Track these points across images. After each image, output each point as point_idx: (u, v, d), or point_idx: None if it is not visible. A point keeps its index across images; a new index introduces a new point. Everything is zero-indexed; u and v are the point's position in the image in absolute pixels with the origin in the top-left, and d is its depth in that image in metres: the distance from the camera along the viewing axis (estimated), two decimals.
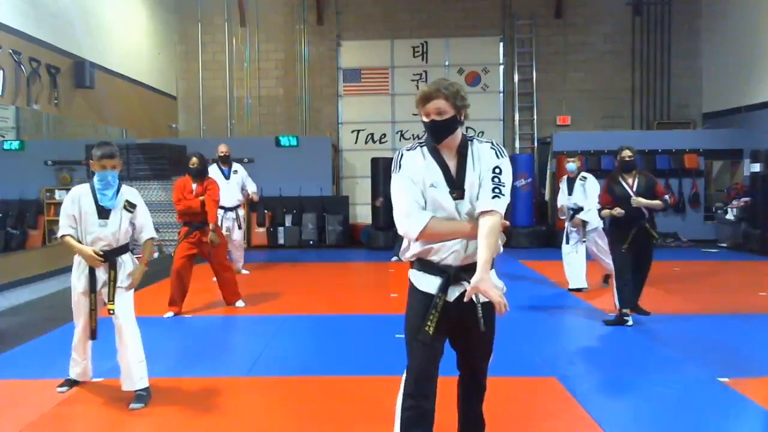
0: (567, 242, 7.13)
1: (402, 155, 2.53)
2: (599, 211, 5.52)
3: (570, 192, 7.05)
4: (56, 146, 10.35)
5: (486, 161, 2.48)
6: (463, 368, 2.72)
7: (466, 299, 2.37)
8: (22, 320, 6.10)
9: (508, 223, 2.55)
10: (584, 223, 6.88)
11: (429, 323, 2.45)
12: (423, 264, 2.54)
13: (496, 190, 2.42)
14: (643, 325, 5.52)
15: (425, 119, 2.47)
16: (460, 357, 2.70)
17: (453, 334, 2.58)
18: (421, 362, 2.51)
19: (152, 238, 3.94)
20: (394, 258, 9.65)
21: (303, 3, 13.09)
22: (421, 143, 2.57)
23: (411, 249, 2.55)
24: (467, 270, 2.42)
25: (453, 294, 2.48)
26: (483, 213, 2.41)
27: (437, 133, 2.47)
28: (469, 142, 2.53)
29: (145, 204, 3.94)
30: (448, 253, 2.47)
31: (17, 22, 7.79)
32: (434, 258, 2.50)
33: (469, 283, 2.38)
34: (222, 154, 8.18)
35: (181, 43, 13.36)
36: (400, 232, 2.49)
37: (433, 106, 2.43)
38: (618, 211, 5.40)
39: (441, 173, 2.48)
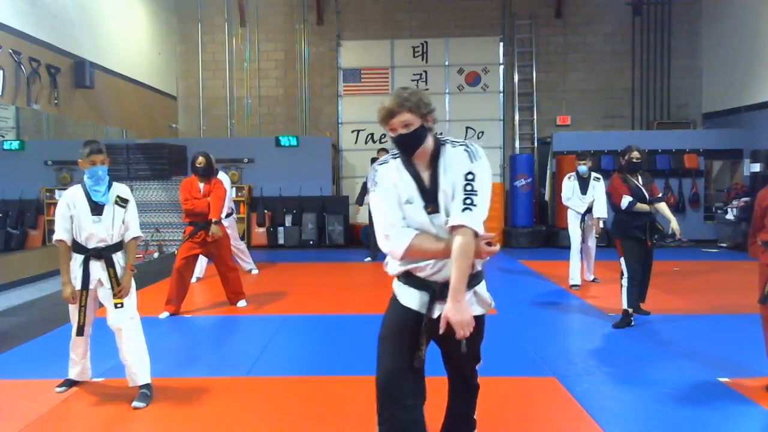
0: (584, 241, 7.26)
1: (376, 171, 2.40)
2: (632, 204, 5.43)
3: (584, 192, 7.14)
4: (56, 146, 10.36)
5: (458, 167, 2.31)
6: (449, 368, 2.65)
7: (441, 331, 2.23)
8: (22, 320, 6.10)
9: (492, 234, 2.35)
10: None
11: (421, 347, 2.34)
12: (408, 277, 2.42)
13: (468, 201, 2.24)
14: (643, 325, 5.52)
15: (391, 134, 2.33)
16: (445, 359, 2.61)
17: (436, 339, 2.45)
18: (389, 369, 2.37)
19: (137, 238, 3.91)
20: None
21: (303, 3, 13.09)
22: (394, 155, 2.43)
23: (392, 264, 2.44)
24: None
25: (437, 311, 2.34)
26: (453, 229, 2.24)
27: (407, 147, 2.33)
28: (442, 147, 2.37)
29: (135, 203, 3.94)
30: (433, 269, 2.34)
31: (17, 22, 7.79)
32: (419, 274, 2.37)
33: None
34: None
35: (181, 43, 13.36)
36: (384, 251, 2.38)
37: (398, 120, 2.29)
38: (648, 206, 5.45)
39: (415, 187, 2.34)
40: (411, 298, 2.40)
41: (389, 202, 2.33)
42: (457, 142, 2.38)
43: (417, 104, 2.29)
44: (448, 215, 2.29)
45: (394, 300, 2.48)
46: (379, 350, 2.43)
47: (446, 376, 2.69)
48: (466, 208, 2.22)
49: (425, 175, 2.35)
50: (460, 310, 2.19)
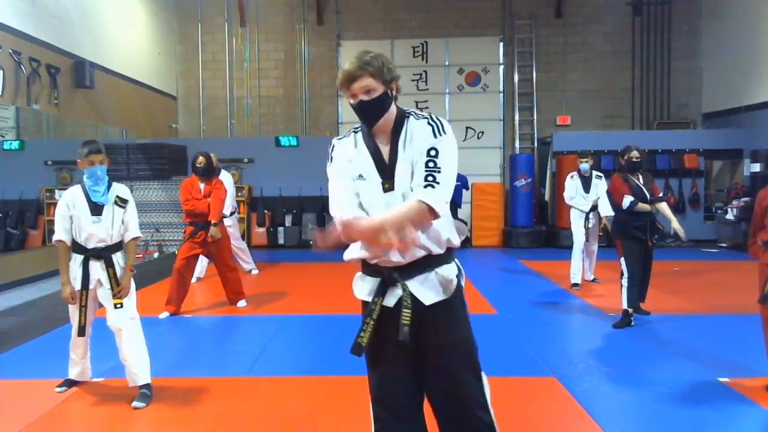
0: (587, 240, 7.22)
1: (333, 146, 2.25)
2: (633, 204, 5.42)
3: (587, 190, 7.13)
4: (56, 146, 10.35)
5: (420, 141, 2.10)
6: (433, 395, 2.22)
7: (344, 237, 2.06)
8: (22, 320, 6.10)
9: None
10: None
11: (362, 333, 2.10)
12: (363, 267, 2.25)
13: (429, 178, 2.02)
14: (643, 325, 5.52)
15: (352, 101, 2.13)
16: (423, 376, 2.22)
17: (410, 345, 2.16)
18: (382, 381, 2.22)
19: (136, 238, 3.91)
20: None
21: (303, 3, 13.10)
22: (355, 130, 2.25)
23: (348, 251, 2.26)
24: (402, 271, 2.11)
25: (392, 298, 2.14)
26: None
27: (368, 115, 2.13)
28: (405, 119, 2.17)
29: (135, 203, 3.95)
30: (381, 253, 2.12)
31: (17, 22, 7.79)
32: (370, 260, 2.18)
33: (405, 286, 2.10)
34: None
35: (181, 43, 13.36)
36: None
37: (359, 85, 2.09)
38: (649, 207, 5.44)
39: (372, 161, 2.15)
40: (364, 288, 2.22)
41: (343, 180, 2.18)
42: (421, 114, 2.18)
43: (380, 69, 2.10)
44: (404, 194, 2.09)
45: (362, 305, 2.29)
46: (367, 366, 2.30)
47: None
48: (428, 185, 2.02)
49: (385, 150, 2.16)
50: (367, 226, 1.99)
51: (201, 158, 6.28)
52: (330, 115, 13.23)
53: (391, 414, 2.21)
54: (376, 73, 2.09)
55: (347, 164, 2.17)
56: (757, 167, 10.53)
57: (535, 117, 13.07)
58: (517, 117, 13.07)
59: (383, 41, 12.89)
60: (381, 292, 2.15)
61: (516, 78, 13.02)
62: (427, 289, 2.14)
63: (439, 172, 2.04)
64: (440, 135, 2.09)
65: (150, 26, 12.21)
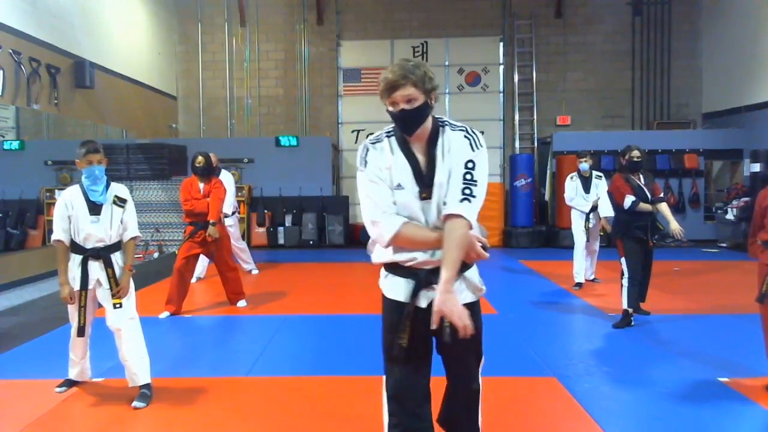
0: (588, 240, 7.22)
1: (367, 150, 2.23)
2: (635, 204, 5.41)
3: (587, 191, 7.12)
4: (56, 146, 10.35)
5: (457, 153, 2.16)
6: (450, 374, 2.45)
7: (433, 326, 2.09)
8: (22, 320, 6.10)
9: (486, 241, 2.25)
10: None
11: (402, 335, 2.17)
12: (392, 267, 2.29)
13: (467, 191, 2.10)
14: (643, 325, 5.52)
15: (392, 109, 2.14)
16: (446, 363, 2.41)
17: (434, 335, 2.28)
18: (403, 378, 2.26)
19: (135, 238, 3.89)
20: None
21: (303, 3, 13.10)
22: (388, 133, 2.25)
23: (377, 252, 2.31)
24: (438, 273, 2.14)
25: (425, 300, 2.21)
26: (448, 217, 2.11)
27: (408, 124, 2.15)
28: (441, 129, 2.21)
29: (135, 203, 3.94)
30: (423, 259, 2.20)
31: (17, 22, 7.79)
32: (403, 261, 2.23)
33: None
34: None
35: (181, 43, 13.36)
36: (372, 237, 2.26)
37: (401, 94, 2.11)
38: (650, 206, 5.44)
39: (410, 170, 2.18)
40: (397, 288, 2.26)
41: (380, 186, 2.18)
42: (457, 125, 2.23)
43: (422, 78, 2.12)
44: (439, 204, 2.17)
45: (384, 300, 2.34)
46: (385, 363, 2.32)
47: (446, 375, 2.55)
48: (464, 198, 2.10)
49: (422, 159, 2.20)
50: (450, 301, 2.06)
51: (200, 158, 6.29)
52: (330, 115, 13.22)
53: (407, 410, 2.27)
54: (419, 82, 2.12)
55: (386, 172, 2.19)
56: (757, 167, 10.54)
57: (535, 117, 13.07)
58: (517, 117, 13.07)
59: (383, 41, 12.91)
60: (415, 293, 2.22)
61: (516, 78, 13.03)
62: (459, 291, 2.24)
63: (475, 185, 2.13)
64: (477, 149, 2.17)
65: (150, 26, 12.21)
